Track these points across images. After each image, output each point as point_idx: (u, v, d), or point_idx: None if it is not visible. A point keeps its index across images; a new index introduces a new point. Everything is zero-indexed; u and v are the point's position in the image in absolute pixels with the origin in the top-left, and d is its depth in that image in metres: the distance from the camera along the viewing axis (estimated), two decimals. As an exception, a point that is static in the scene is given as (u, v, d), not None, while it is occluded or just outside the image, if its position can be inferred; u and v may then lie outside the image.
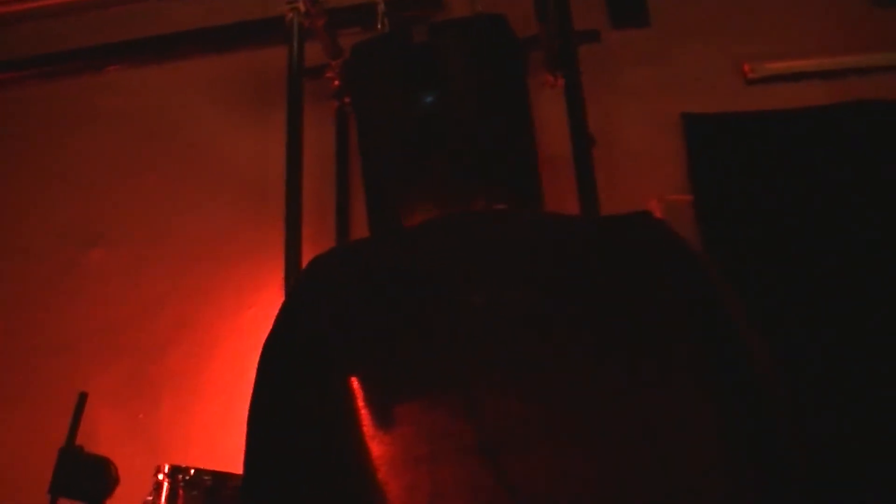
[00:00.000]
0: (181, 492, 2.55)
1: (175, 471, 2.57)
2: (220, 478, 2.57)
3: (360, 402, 1.31)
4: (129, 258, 3.61)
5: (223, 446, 3.12)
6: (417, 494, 1.25)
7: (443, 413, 1.26)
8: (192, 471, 2.57)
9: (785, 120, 3.09)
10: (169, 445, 3.19)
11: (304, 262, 3.09)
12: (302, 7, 3.00)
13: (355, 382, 1.33)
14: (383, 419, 1.29)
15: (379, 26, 3.00)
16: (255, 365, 3.37)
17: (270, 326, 3.35)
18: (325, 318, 1.40)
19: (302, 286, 1.44)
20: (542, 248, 1.38)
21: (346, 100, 3.35)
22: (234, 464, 2.77)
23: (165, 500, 2.54)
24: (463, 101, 2.75)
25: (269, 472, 1.40)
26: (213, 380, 3.40)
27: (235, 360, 3.40)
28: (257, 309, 3.42)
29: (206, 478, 2.57)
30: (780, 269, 2.86)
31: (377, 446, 1.29)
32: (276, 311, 3.29)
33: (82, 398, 2.05)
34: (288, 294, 1.48)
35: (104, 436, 2.32)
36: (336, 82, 3.32)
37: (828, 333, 2.73)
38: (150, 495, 2.57)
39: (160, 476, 2.57)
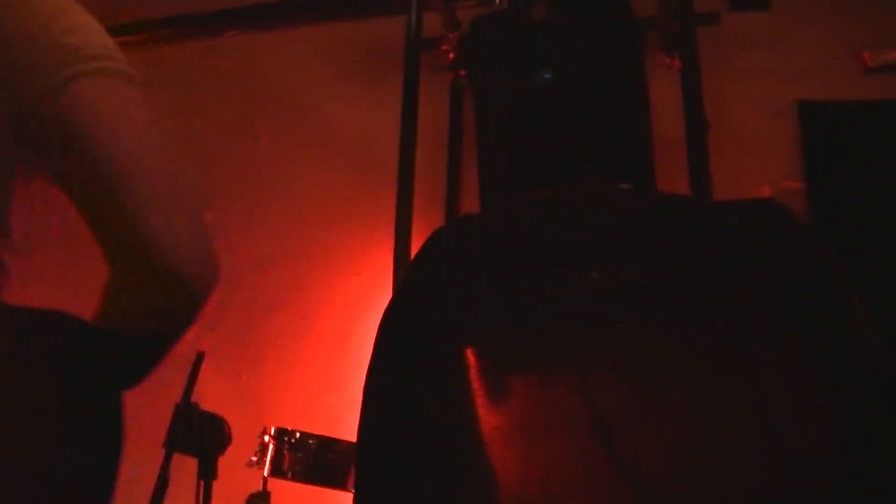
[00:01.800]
0: (286, 453, 2.61)
1: (281, 433, 2.63)
2: (325, 442, 2.63)
3: (479, 374, 1.33)
4: (239, 218, 3.67)
5: (324, 410, 3.19)
6: (531, 467, 1.27)
7: (558, 388, 1.28)
8: (298, 434, 2.63)
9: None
10: (271, 407, 3.26)
11: (414, 232, 3.16)
12: (422, -22, 3.03)
13: (474, 354, 1.35)
14: (500, 391, 1.31)
15: (498, 1, 3.01)
16: (359, 330, 3.44)
17: (377, 293, 3.42)
18: (446, 290, 1.42)
19: (423, 258, 1.47)
20: (663, 230, 1.38)
21: (461, 72, 3.37)
22: (335, 427, 2.84)
23: (270, 460, 2.61)
24: (580, 80, 2.75)
25: (385, 439, 1.43)
26: (317, 343, 3.45)
27: (340, 325, 3.46)
28: (364, 275, 3.46)
29: (311, 441, 2.62)
30: (893, 260, 2.83)
31: (493, 417, 1.31)
32: (383, 279, 3.36)
33: (199, 357, 2.10)
34: (410, 265, 1.50)
35: (208, 394, 2.37)
36: (451, 55, 3.34)
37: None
38: (256, 455, 2.64)
39: (266, 437, 2.64)
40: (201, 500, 2.11)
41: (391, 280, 3.18)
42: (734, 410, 1.23)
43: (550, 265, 1.36)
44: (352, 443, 2.70)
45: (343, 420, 2.82)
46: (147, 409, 3.08)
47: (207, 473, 2.11)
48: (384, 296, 3.36)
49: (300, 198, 3.65)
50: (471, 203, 3.20)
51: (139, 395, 3.39)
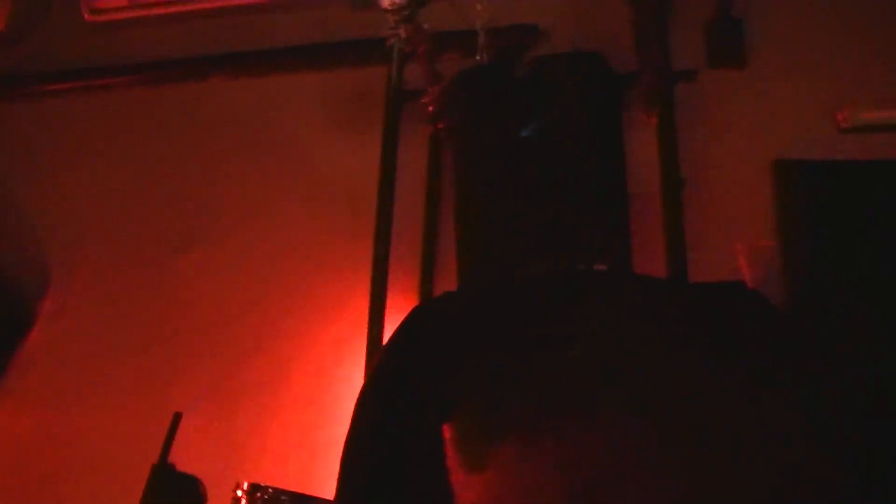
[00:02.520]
0: (257, 511, 2.61)
1: (254, 488, 2.63)
2: (298, 499, 2.63)
3: (457, 449, 1.36)
4: (220, 264, 3.70)
5: (298, 463, 3.20)
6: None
7: (536, 465, 1.31)
8: (271, 490, 2.63)
9: (878, 171, 3.10)
10: (246, 459, 3.27)
11: (391, 287, 3.18)
12: (403, 33, 3.07)
13: (453, 428, 1.38)
14: (477, 466, 1.34)
15: (479, 57, 3.06)
16: (335, 380, 3.45)
17: (354, 342, 3.43)
18: (426, 367, 1.45)
19: (403, 335, 1.51)
20: (638, 311, 1.42)
21: (440, 125, 3.41)
22: (309, 480, 2.86)
23: (243, 518, 2.61)
24: (562, 137, 2.81)
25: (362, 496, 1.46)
26: (293, 394, 3.47)
27: (316, 376, 3.47)
28: (341, 325, 3.49)
29: (284, 497, 2.63)
30: (869, 321, 2.87)
31: (469, 494, 1.34)
32: (360, 328, 3.37)
33: (176, 418, 2.12)
34: (390, 341, 1.54)
35: (181, 447, 2.39)
36: (431, 107, 3.39)
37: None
38: (223, 513, 2.64)
39: (238, 493, 2.64)
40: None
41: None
42: (702, 481, 1.27)
43: (529, 346, 1.40)
44: (326, 500, 2.72)
45: (317, 473, 2.84)
46: (124, 470, 3.10)
47: (182, 534, 2.12)
48: (361, 345, 3.39)
49: (281, 244, 3.68)
50: (448, 255, 3.24)
51: (117, 454, 3.40)
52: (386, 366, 1.44)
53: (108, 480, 3.28)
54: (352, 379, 3.38)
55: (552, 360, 1.34)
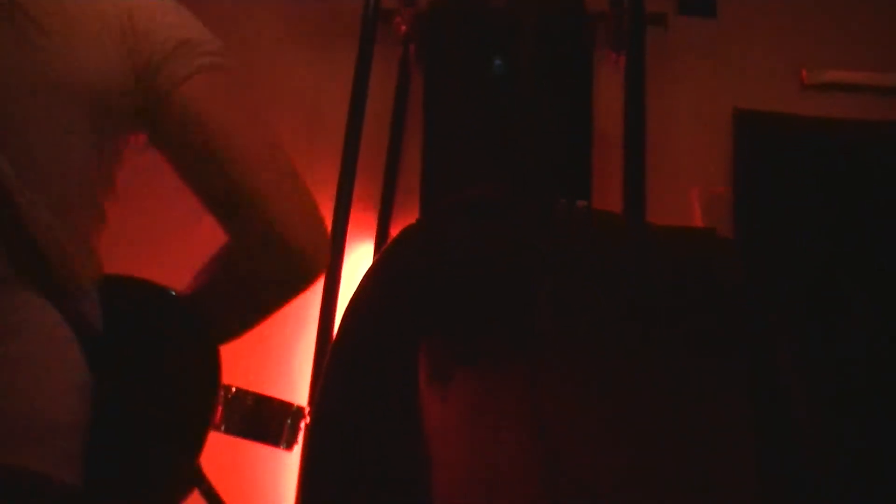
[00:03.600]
0: (221, 408, 2.66)
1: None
2: (261, 399, 2.70)
3: (430, 369, 1.40)
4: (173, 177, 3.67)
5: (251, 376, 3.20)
6: (474, 458, 1.34)
7: (505, 386, 1.35)
8: (234, 389, 2.69)
9: (837, 129, 3.17)
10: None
11: (354, 206, 3.21)
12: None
13: (427, 350, 1.42)
14: (448, 388, 1.39)
15: (456, -17, 3.07)
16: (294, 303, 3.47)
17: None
18: (404, 291, 1.48)
19: (383, 260, 1.54)
20: (611, 249, 1.46)
21: (412, 47, 3.42)
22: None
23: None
24: (533, 70, 2.84)
25: (335, 423, 1.50)
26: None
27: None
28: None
29: (248, 398, 2.69)
30: (812, 275, 2.96)
31: (440, 410, 1.38)
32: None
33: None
34: (372, 266, 1.57)
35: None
36: (404, 27, 3.38)
37: (857, 338, 2.82)
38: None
39: (201, 390, 2.69)
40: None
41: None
42: (661, 427, 1.31)
43: (505, 276, 1.43)
44: (286, 402, 2.79)
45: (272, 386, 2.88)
46: None
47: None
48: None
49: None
50: (411, 174, 3.26)
51: None
52: (366, 289, 1.48)
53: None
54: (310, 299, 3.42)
55: (526, 290, 1.38)
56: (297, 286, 1.52)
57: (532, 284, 1.39)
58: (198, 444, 1.48)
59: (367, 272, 1.53)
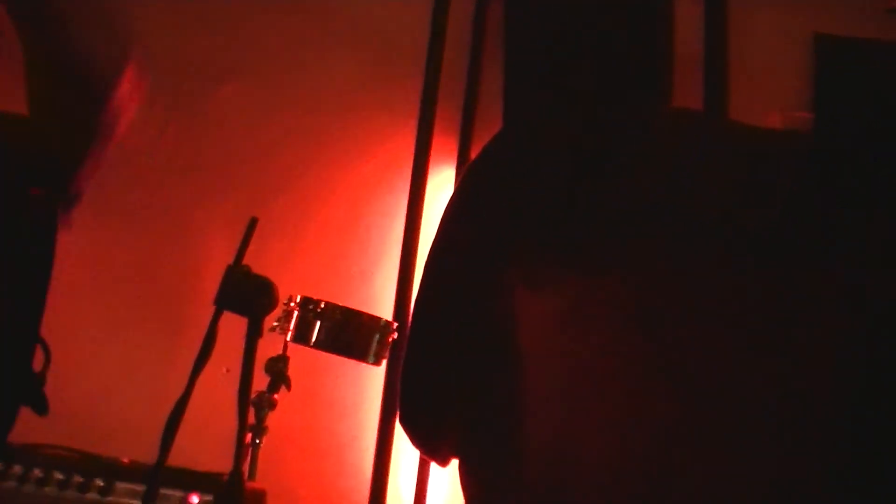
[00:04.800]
0: (311, 321, 2.75)
1: (306, 301, 2.78)
2: (350, 313, 2.78)
3: (526, 270, 1.42)
4: (256, 97, 3.73)
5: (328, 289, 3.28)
6: (573, 352, 1.36)
7: (606, 287, 1.36)
8: (323, 303, 2.77)
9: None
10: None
11: (436, 128, 3.26)
12: None
13: (524, 251, 1.44)
14: (544, 287, 1.40)
15: None
16: (370, 213, 3.54)
17: (391, 177, 3.52)
18: (507, 186, 1.50)
19: (485, 156, 1.55)
20: (732, 156, 1.45)
21: (493, -28, 3.43)
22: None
23: (294, 327, 2.75)
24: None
25: (436, 319, 1.53)
26: (324, 224, 3.56)
27: (349, 208, 3.56)
28: (377, 161, 3.56)
29: (337, 312, 2.77)
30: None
31: (539, 303, 1.40)
32: (399, 165, 3.46)
33: (252, 222, 2.23)
34: (473, 162, 1.60)
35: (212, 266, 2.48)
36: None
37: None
38: (277, 321, 2.78)
39: (291, 304, 2.77)
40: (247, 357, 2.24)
41: (410, 167, 3.29)
42: (764, 347, 1.30)
43: (599, 175, 1.43)
44: (375, 317, 2.86)
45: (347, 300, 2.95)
46: (201, 273, 3.21)
47: (255, 332, 2.23)
48: (399, 181, 3.48)
49: (320, 81, 3.71)
50: (491, 103, 3.30)
51: (192, 260, 3.51)
52: (470, 183, 1.51)
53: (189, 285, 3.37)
54: (387, 211, 3.48)
55: (629, 189, 1.39)
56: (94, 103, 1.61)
57: (631, 182, 1.40)
58: None
59: (464, 173, 1.56)
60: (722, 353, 1.32)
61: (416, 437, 1.59)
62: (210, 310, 2.26)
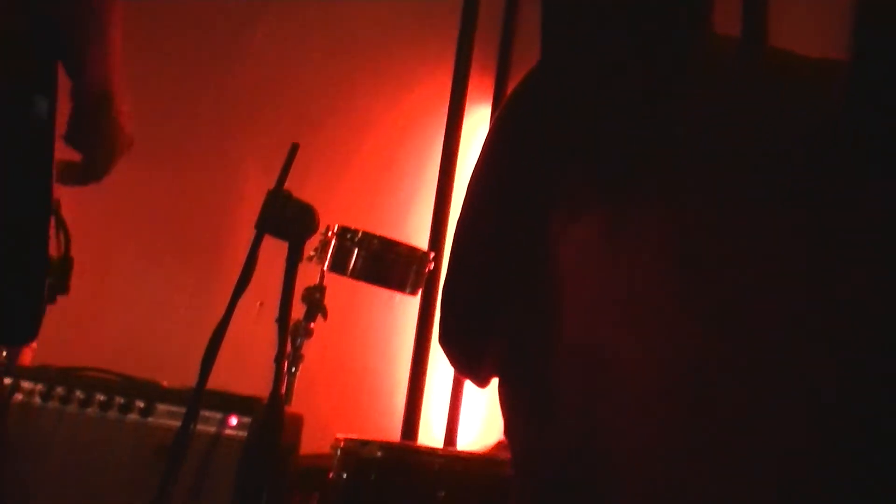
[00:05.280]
0: (348, 250, 2.77)
1: (344, 231, 2.80)
2: (387, 243, 2.80)
3: (565, 194, 1.43)
4: (294, 36, 3.74)
5: (370, 219, 3.32)
6: (608, 284, 1.37)
7: (645, 214, 1.36)
8: (361, 233, 2.79)
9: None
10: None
11: (472, 66, 3.27)
12: None
13: (563, 174, 1.44)
14: (583, 212, 1.41)
15: None
16: (409, 145, 3.56)
17: (430, 110, 3.53)
18: (554, 109, 1.51)
19: (533, 77, 1.55)
20: (775, 86, 1.43)
21: None
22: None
23: (331, 256, 2.77)
24: None
25: (473, 244, 1.55)
26: (365, 156, 3.58)
27: (386, 145, 3.58)
28: (414, 99, 3.57)
29: (375, 241, 2.79)
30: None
31: (579, 227, 1.41)
32: (437, 98, 3.47)
33: (294, 148, 2.25)
34: (519, 84, 1.60)
35: (249, 196, 2.51)
36: None
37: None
38: (315, 251, 2.80)
39: (328, 234, 2.80)
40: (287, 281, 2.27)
41: (447, 100, 3.30)
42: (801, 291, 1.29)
43: (640, 101, 1.42)
44: (412, 246, 2.88)
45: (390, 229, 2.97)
46: (240, 203, 3.25)
47: (295, 256, 2.26)
48: (436, 119, 3.50)
49: (359, 15, 3.71)
50: (528, 42, 3.30)
51: (232, 190, 3.56)
52: (516, 103, 1.51)
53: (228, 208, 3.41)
54: (423, 149, 3.50)
55: (661, 117, 1.38)
56: None
57: (675, 110, 1.40)
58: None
59: (508, 97, 1.56)
60: (759, 290, 1.31)
61: (456, 357, 1.61)
62: (249, 236, 2.28)
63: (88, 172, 1.84)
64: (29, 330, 1.63)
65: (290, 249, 2.22)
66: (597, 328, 1.34)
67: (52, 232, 1.67)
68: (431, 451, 3.14)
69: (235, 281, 2.22)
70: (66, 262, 1.68)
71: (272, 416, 2.10)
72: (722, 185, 1.32)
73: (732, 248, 1.31)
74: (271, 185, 2.35)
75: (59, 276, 1.65)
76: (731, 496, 1.26)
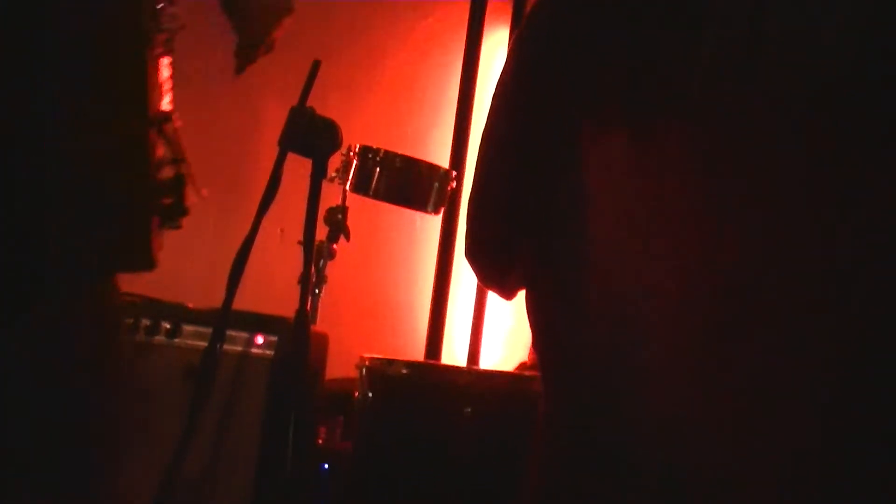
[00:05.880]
0: (370, 170, 2.75)
1: (365, 150, 2.78)
2: (410, 161, 2.78)
3: (593, 113, 1.41)
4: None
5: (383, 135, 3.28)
6: (635, 203, 1.36)
7: (672, 136, 1.35)
8: (383, 151, 2.77)
9: None
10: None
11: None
12: None
13: (591, 93, 1.42)
14: (610, 133, 1.39)
15: None
16: (427, 72, 3.54)
17: (448, 37, 3.50)
18: (566, 28, 1.49)
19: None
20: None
21: None
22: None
23: (353, 176, 2.76)
24: None
25: (502, 151, 1.54)
26: (386, 79, 3.56)
27: (410, 61, 3.55)
28: (439, 14, 3.53)
29: (397, 160, 2.77)
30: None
31: (600, 151, 1.40)
32: (454, 23, 3.44)
33: (315, 65, 2.23)
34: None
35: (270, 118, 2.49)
36: None
37: None
38: (336, 171, 2.79)
39: (350, 154, 2.78)
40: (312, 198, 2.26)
41: (465, 26, 3.27)
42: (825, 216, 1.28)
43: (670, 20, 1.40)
44: (435, 165, 2.87)
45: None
46: (260, 125, 3.24)
47: (319, 173, 2.24)
48: (457, 35, 3.46)
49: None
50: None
51: (254, 100, 3.55)
52: (535, 22, 1.49)
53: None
54: (448, 63, 3.48)
55: (689, 36, 1.36)
56: None
57: (708, 22, 1.37)
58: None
59: (533, 7, 1.54)
60: (787, 211, 1.30)
61: (484, 270, 1.60)
62: (271, 158, 2.27)
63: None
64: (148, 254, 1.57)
65: (315, 166, 2.21)
66: (627, 247, 1.33)
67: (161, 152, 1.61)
68: (457, 369, 3.15)
69: (259, 201, 2.22)
70: (179, 182, 1.62)
71: (300, 333, 2.10)
72: (756, 106, 1.30)
73: (768, 175, 1.30)
74: (292, 106, 2.33)
75: (174, 196, 1.61)
76: (761, 408, 1.27)
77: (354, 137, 2.87)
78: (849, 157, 1.26)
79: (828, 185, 1.26)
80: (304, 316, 2.13)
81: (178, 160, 1.61)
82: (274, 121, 2.41)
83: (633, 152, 1.33)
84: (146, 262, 1.52)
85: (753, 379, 1.26)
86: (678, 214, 1.30)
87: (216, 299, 2.33)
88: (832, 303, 1.23)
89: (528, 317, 1.53)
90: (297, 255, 2.45)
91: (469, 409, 2.52)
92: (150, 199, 1.50)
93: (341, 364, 2.83)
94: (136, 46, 1.44)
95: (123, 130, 1.42)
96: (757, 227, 1.26)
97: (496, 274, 1.62)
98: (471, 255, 1.60)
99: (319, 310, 2.88)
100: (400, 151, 2.90)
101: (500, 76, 1.55)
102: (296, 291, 2.58)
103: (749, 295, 1.26)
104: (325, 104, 2.92)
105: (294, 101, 2.29)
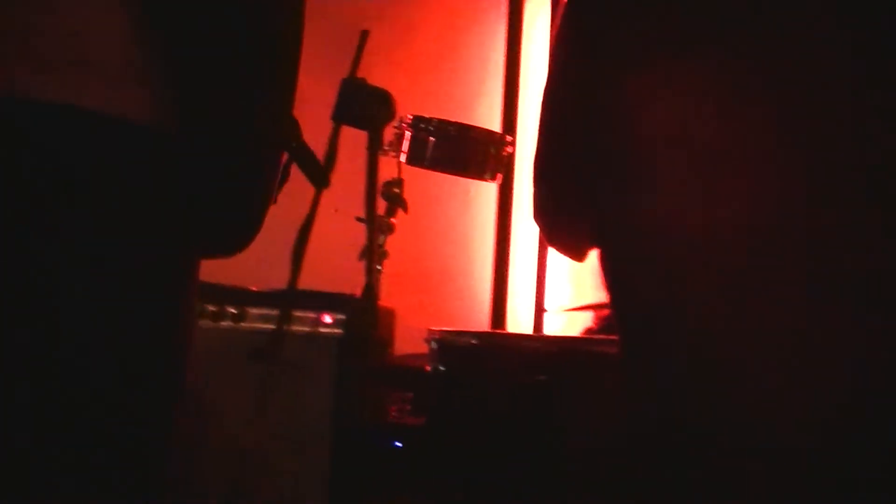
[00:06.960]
0: (424, 139, 2.70)
1: (418, 120, 2.73)
2: (464, 128, 2.72)
3: (639, 51, 1.39)
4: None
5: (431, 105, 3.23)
6: (698, 135, 1.34)
7: (737, 65, 1.33)
8: (436, 121, 2.72)
9: None
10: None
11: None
12: None
13: (635, 32, 1.41)
14: (671, 62, 1.37)
15: None
16: (465, 42, 3.50)
17: (483, 6, 3.45)
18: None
19: None
20: None
21: None
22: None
23: (408, 148, 2.71)
24: None
25: (563, 111, 1.51)
26: (429, 45, 3.51)
27: (453, 26, 3.51)
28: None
29: (451, 128, 2.71)
30: None
31: (663, 85, 1.37)
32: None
33: (364, 35, 2.18)
34: None
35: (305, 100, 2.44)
36: None
37: None
38: (389, 144, 2.74)
39: (402, 125, 2.73)
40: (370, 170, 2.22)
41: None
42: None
43: None
44: (489, 130, 2.82)
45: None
46: (316, 88, 3.19)
47: (376, 144, 2.20)
48: (497, 3, 3.42)
49: None
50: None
51: (304, 75, 3.49)
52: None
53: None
54: (491, 27, 3.44)
55: None
56: None
57: None
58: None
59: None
60: (845, 128, 1.31)
61: (553, 231, 1.58)
62: (312, 131, 2.24)
63: None
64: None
65: (371, 138, 2.17)
66: (687, 188, 1.32)
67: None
68: (526, 336, 3.11)
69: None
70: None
71: (369, 309, 2.07)
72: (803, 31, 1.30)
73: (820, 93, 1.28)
74: (336, 75, 2.27)
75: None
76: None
77: (401, 105, 2.82)
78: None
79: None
80: (373, 291, 2.09)
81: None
82: (311, 98, 2.38)
83: (686, 98, 1.33)
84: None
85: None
86: (733, 153, 1.30)
87: (269, 281, 2.29)
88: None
89: (602, 274, 1.50)
90: (351, 232, 2.42)
91: (543, 376, 2.48)
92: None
93: (407, 338, 2.80)
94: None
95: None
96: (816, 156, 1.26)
97: (565, 234, 1.59)
98: (539, 216, 1.57)
99: (381, 285, 2.86)
100: (449, 118, 2.85)
101: (556, 38, 1.53)
102: (350, 269, 2.54)
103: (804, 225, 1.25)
104: (369, 71, 2.88)
105: (331, 74, 2.25)
